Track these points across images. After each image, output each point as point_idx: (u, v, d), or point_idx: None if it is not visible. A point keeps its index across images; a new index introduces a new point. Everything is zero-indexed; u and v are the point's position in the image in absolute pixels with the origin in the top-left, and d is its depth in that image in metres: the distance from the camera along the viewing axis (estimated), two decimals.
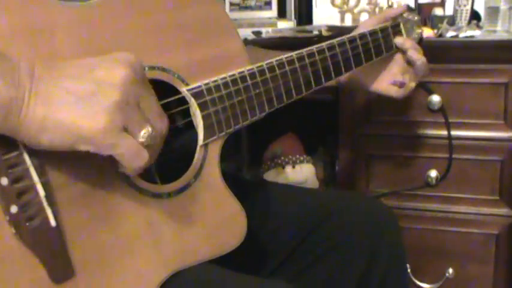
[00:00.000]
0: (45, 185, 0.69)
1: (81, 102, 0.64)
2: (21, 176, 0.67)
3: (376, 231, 1.11)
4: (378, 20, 1.23)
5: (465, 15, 1.75)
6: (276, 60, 0.97)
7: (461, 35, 1.59)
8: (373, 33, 1.17)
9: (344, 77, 1.21)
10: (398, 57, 1.23)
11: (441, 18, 1.71)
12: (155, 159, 0.74)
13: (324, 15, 1.95)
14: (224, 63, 0.92)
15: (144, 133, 0.68)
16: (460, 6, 1.76)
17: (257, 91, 0.94)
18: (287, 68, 0.98)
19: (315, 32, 1.73)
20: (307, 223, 1.12)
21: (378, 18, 1.24)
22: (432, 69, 1.55)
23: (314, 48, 1.04)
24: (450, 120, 1.56)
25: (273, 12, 2.02)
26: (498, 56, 1.52)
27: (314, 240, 1.11)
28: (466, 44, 1.56)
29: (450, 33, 1.61)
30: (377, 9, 1.86)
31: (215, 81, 0.88)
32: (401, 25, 1.25)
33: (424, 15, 1.83)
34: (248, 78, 0.92)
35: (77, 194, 0.73)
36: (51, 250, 0.70)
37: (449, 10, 1.82)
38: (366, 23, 1.24)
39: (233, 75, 0.91)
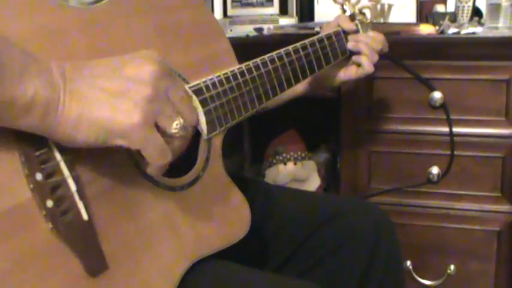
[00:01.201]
0: (76, 180, 0.71)
1: (115, 99, 0.66)
2: (54, 171, 0.69)
3: (374, 235, 1.13)
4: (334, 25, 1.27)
5: (467, 12, 1.75)
6: (260, 59, 1.03)
7: (463, 31, 1.59)
8: (337, 33, 1.23)
9: (309, 87, 1.30)
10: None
11: (443, 15, 1.71)
12: (185, 148, 0.78)
13: (326, 11, 1.95)
14: (215, 62, 0.98)
15: (176, 124, 0.72)
16: (461, 3, 1.75)
17: (247, 88, 0.99)
18: (270, 66, 1.04)
19: (317, 29, 1.73)
20: (307, 226, 1.14)
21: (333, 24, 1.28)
22: (434, 65, 1.56)
23: (290, 48, 1.10)
24: (452, 117, 1.56)
25: (275, 8, 2.02)
26: (500, 53, 1.52)
27: (314, 243, 1.13)
28: (468, 40, 1.56)
29: (452, 30, 1.60)
30: (378, 6, 1.86)
31: (211, 79, 0.93)
32: (359, 26, 1.29)
33: (426, 12, 1.83)
34: (239, 76, 0.98)
35: (103, 189, 0.75)
36: (85, 244, 0.71)
37: (451, 7, 1.82)
38: (330, 24, 1.28)
39: (226, 73, 0.96)
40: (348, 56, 1.26)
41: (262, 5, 2.03)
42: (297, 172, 1.94)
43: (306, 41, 1.15)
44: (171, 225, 0.84)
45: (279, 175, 1.94)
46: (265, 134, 2.05)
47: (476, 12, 1.78)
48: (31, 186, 0.67)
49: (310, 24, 1.85)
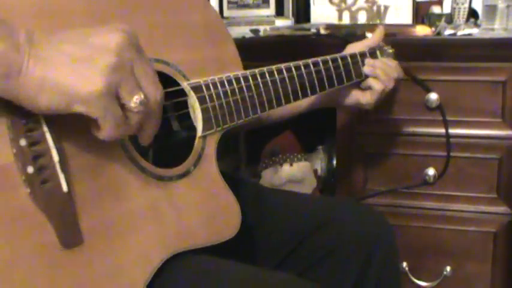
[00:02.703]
0: (60, 151, 0.72)
1: (79, 65, 0.66)
2: (38, 140, 0.71)
3: (370, 239, 1.12)
4: (360, 45, 1.27)
5: (463, 13, 1.75)
6: (267, 68, 1.04)
7: (459, 33, 1.59)
8: (353, 56, 1.23)
9: (310, 101, 1.29)
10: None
11: (439, 16, 1.71)
12: (157, 127, 0.77)
13: (322, 13, 1.95)
14: (220, 65, 0.99)
15: (136, 99, 0.70)
16: (457, 4, 1.76)
17: (250, 94, 1.00)
18: (276, 76, 1.05)
19: (313, 30, 1.73)
20: (302, 229, 1.13)
21: (362, 43, 1.28)
22: (430, 67, 1.56)
23: (301, 62, 1.11)
24: (448, 118, 1.56)
25: (271, 10, 2.02)
26: (496, 54, 1.52)
27: (309, 246, 1.12)
28: (464, 42, 1.56)
29: (448, 32, 1.61)
30: (375, 8, 1.86)
31: (213, 79, 0.94)
32: (378, 52, 1.29)
33: (422, 13, 1.83)
34: (242, 80, 0.99)
35: (87, 164, 0.76)
36: (62, 214, 0.72)
37: (447, 8, 1.82)
38: (350, 48, 1.28)
39: (229, 76, 0.97)
40: (362, 80, 1.25)
41: (258, 6, 2.03)
42: (293, 173, 1.94)
43: (319, 58, 1.15)
44: (154, 213, 0.84)
45: (275, 176, 1.94)
46: (261, 135, 2.04)
47: (472, 14, 1.78)
48: (14, 150, 0.68)
49: (306, 25, 1.85)
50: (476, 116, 1.56)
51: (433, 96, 1.56)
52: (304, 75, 1.11)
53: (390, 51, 1.32)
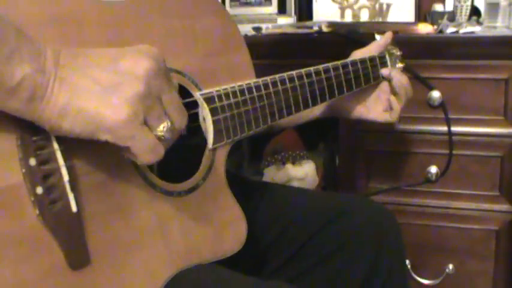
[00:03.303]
0: (70, 170, 0.70)
1: (105, 92, 0.65)
2: (48, 159, 0.69)
3: (379, 234, 1.12)
4: (367, 51, 1.27)
5: (465, 11, 1.75)
6: (279, 76, 1.02)
7: (462, 31, 1.59)
8: (362, 61, 1.21)
9: (321, 109, 1.29)
10: (384, 85, 1.26)
11: (441, 14, 1.71)
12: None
13: (324, 11, 1.95)
14: (233, 73, 0.96)
15: (163, 127, 0.69)
16: (460, 2, 1.76)
17: (261, 103, 0.98)
18: (288, 85, 1.03)
19: (315, 28, 1.73)
20: (311, 225, 1.13)
21: (368, 48, 1.28)
22: (432, 65, 1.56)
23: (312, 69, 1.08)
24: (450, 116, 1.56)
25: (273, 8, 2.02)
26: (498, 52, 1.52)
27: (318, 241, 1.12)
28: (466, 40, 1.56)
29: (450, 29, 1.60)
30: (377, 6, 1.86)
31: (225, 89, 0.92)
32: (387, 56, 1.28)
33: (424, 11, 1.83)
34: (254, 90, 0.96)
35: (97, 183, 0.74)
36: (70, 235, 0.70)
37: (449, 6, 1.82)
38: (355, 54, 1.28)
39: (241, 85, 0.94)
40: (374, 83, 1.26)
41: (260, 4, 2.03)
42: (295, 171, 1.94)
43: (329, 64, 1.13)
44: (162, 229, 0.82)
45: (277, 174, 1.94)
46: (263, 133, 2.04)
47: (474, 12, 1.78)
48: (23, 170, 0.66)
49: (308, 23, 1.84)
50: (479, 114, 1.56)
51: (436, 94, 1.56)
52: (315, 82, 1.09)
53: (398, 53, 1.31)
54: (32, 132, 0.67)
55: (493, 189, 1.59)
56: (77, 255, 0.71)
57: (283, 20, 1.96)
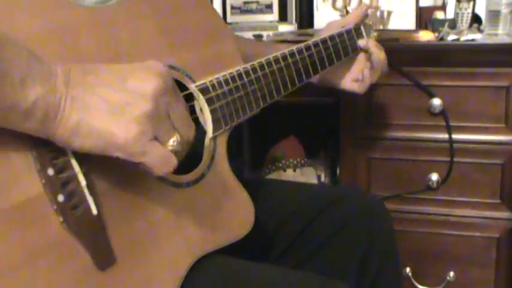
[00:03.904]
0: (86, 175, 0.72)
1: (114, 111, 0.67)
2: (64, 167, 0.71)
3: (371, 218, 1.16)
4: (342, 23, 1.31)
5: (466, 18, 1.75)
6: (265, 59, 1.05)
7: (463, 38, 1.59)
8: (340, 35, 1.26)
9: (315, 79, 1.31)
10: (360, 56, 1.31)
11: (442, 22, 1.71)
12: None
13: (325, 18, 1.95)
14: (222, 62, 0.99)
15: (173, 141, 0.72)
16: (461, 9, 1.76)
17: (252, 88, 1.01)
18: (274, 66, 1.07)
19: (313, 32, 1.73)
20: (308, 213, 1.16)
21: (342, 21, 1.33)
22: (433, 72, 1.56)
23: (294, 48, 1.13)
24: (451, 124, 1.57)
25: (274, 15, 2.02)
26: (499, 60, 1.52)
27: (315, 229, 1.15)
28: (467, 47, 1.56)
29: (451, 37, 1.61)
30: (378, 13, 1.86)
31: (217, 78, 0.95)
32: (362, 28, 1.32)
33: (425, 19, 1.83)
34: (244, 75, 1.00)
35: (112, 183, 0.77)
36: (95, 238, 0.73)
37: (450, 13, 1.82)
38: (331, 25, 1.32)
39: (231, 72, 0.98)
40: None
41: (261, 11, 2.03)
42: (296, 178, 1.94)
43: (310, 42, 1.17)
44: (177, 221, 0.85)
45: None
46: (264, 140, 2.05)
47: (475, 19, 1.78)
48: (43, 181, 0.68)
49: (309, 31, 1.85)
50: (480, 122, 1.56)
51: (436, 101, 1.56)
52: (299, 61, 1.13)
53: (371, 22, 1.36)
54: (45, 143, 0.68)
55: (494, 197, 1.59)
56: (103, 255, 0.73)
57: (284, 28, 1.97)
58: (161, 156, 0.70)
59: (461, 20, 1.76)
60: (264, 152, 2.04)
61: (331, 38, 1.22)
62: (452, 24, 1.71)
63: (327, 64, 1.21)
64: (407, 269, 1.67)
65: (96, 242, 0.73)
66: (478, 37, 1.60)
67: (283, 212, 1.17)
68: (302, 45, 1.15)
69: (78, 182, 0.72)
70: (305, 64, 1.14)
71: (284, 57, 1.09)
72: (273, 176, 1.96)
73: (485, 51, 1.54)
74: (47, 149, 0.69)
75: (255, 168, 2.14)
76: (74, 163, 0.71)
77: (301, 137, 2.03)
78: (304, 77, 1.14)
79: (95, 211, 0.73)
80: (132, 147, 0.68)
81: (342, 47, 1.25)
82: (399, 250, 1.20)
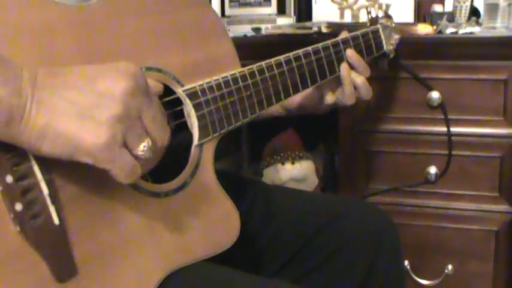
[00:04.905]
0: (49, 183, 0.69)
1: (83, 115, 0.64)
2: (26, 174, 0.67)
3: (376, 236, 1.13)
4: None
5: (464, 11, 1.75)
6: (266, 63, 0.99)
7: (461, 31, 1.59)
8: (350, 40, 1.17)
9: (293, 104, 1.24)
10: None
11: (440, 15, 1.71)
12: (152, 167, 0.75)
13: (324, 11, 1.95)
14: (216, 65, 0.94)
15: (143, 146, 0.68)
16: (459, 2, 1.75)
17: (248, 93, 0.95)
18: (276, 70, 1.01)
19: (315, 29, 1.73)
20: (309, 227, 1.13)
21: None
22: (432, 65, 1.56)
23: (300, 52, 1.06)
24: (449, 117, 1.56)
25: (273, 8, 2.02)
26: (498, 53, 1.52)
27: (315, 245, 1.12)
28: (466, 40, 1.56)
29: (449, 30, 1.60)
30: (376, 6, 1.86)
31: (208, 82, 0.90)
32: (380, 30, 1.27)
33: (424, 12, 1.83)
34: (239, 80, 0.94)
35: (78, 193, 0.73)
36: (55, 248, 0.70)
37: (448, 7, 1.82)
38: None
39: (225, 76, 0.92)
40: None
41: (260, 4, 2.03)
42: (295, 172, 1.94)
43: (319, 45, 1.10)
44: (151, 232, 0.81)
45: (277, 175, 1.94)
46: (263, 133, 2.04)
47: (474, 12, 1.78)
48: (0, 188, 0.65)
49: (308, 24, 1.84)
50: (478, 115, 1.56)
51: (435, 94, 1.56)
52: (314, 61, 1.07)
53: (394, 24, 1.26)
54: (6, 149, 0.65)
55: (493, 190, 1.59)
56: (64, 267, 0.70)
57: (282, 21, 1.96)
58: (127, 165, 0.67)
59: (460, 13, 1.75)
60: (263, 144, 2.04)
61: (344, 41, 1.15)
62: (451, 17, 1.71)
63: (327, 73, 1.13)
64: (406, 262, 1.67)
65: (57, 252, 0.69)
66: (476, 30, 1.60)
67: (280, 221, 1.14)
68: (310, 48, 1.09)
69: (40, 190, 0.68)
70: (311, 68, 1.09)
71: (288, 61, 1.04)
72: (272, 168, 1.96)
73: (483, 44, 1.54)
74: (7, 155, 0.66)
75: (254, 161, 2.13)
76: (37, 170, 0.68)
77: (300, 129, 2.03)
78: (309, 82, 1.08)
79: (56, 221, 0.69)
80: (102, 154, 0.65)
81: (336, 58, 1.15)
82: (403, 267, 1.18)
